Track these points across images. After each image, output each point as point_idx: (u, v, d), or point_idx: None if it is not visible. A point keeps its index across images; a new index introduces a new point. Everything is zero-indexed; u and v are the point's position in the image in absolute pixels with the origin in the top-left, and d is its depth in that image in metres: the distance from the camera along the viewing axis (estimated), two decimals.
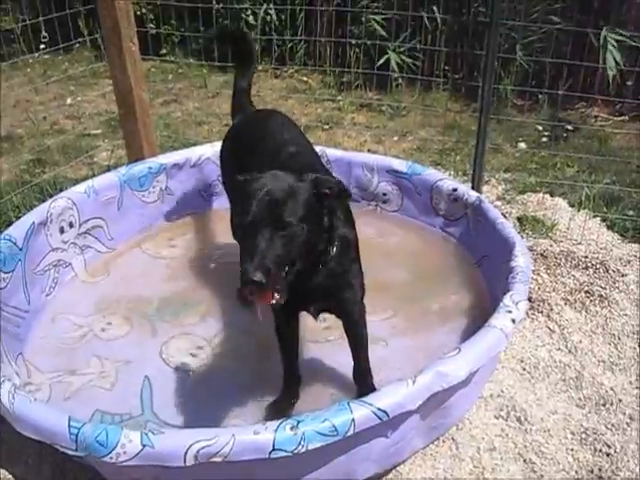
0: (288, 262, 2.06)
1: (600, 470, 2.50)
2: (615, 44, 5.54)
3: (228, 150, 3.22)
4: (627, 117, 5.99)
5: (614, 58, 5.54)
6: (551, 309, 3.32)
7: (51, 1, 4.98)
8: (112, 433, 2.06)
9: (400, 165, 3.81)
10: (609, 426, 2.69)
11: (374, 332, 2.99)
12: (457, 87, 6.38)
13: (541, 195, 4.49)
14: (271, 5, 6.76)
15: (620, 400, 2.82)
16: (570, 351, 3.09)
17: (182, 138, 5.48)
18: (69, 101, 6.53)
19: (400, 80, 6.33)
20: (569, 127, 5.64)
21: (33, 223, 3.21)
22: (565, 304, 3.36)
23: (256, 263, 1.95)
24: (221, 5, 6.55)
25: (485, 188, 4.50)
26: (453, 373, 2.26)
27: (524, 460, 2.55)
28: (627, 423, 2.71)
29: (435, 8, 6.15)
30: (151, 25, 7.08)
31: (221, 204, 3.83)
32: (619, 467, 2.51)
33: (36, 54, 6.60)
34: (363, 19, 6.26)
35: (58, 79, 6.67)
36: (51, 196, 3.77)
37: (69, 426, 2.10)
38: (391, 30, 6.21)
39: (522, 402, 2.78)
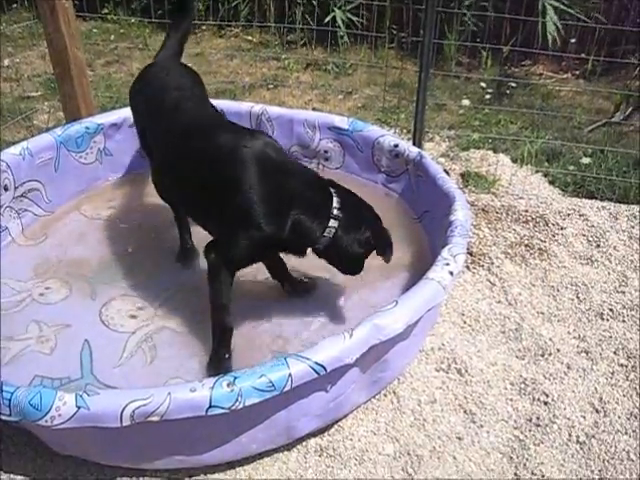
0: None
1: (538, 418, 2.56)
2: (553, 10, 5.59)
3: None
4: (570, 74, 6.05)
5: (554, 23, 5.59)
6: (492, 263, 3.36)
7: None
8: (46, 396, 2.03)
9: (341, 122, 3.79)
10: (547, 375, 2.76)
11: (318, 290, 3.03)
12: (403, 45, 6.35)
13: (484, 151, 4.54)
14: None
15: (558, 350, 2.88)
16: (510, 303, 3.14)
17: (124, 99, 5.35)
18: (6, 63, 6.32)
19: (346, 38, 6.28)
20: (512, 84, 5.66)
21: None
22: (505, 257, 3.41)
23: None
24: None
25: (429, 145, 4.51)
26: (390, 326, 2.28)
27: (464, 411, 2.59)
28: (564, 372, 2.77)
29: None
30: None
31: None
32: (556, 415, 2.57)
33: None
34: None
35: None
36: None
37: (1, 391, 2.07)
38: None
39: (462, 354, 2.83)
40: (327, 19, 6.16)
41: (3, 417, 2.08)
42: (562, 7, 5.67)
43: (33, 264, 3.25)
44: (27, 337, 2.81)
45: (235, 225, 2.54)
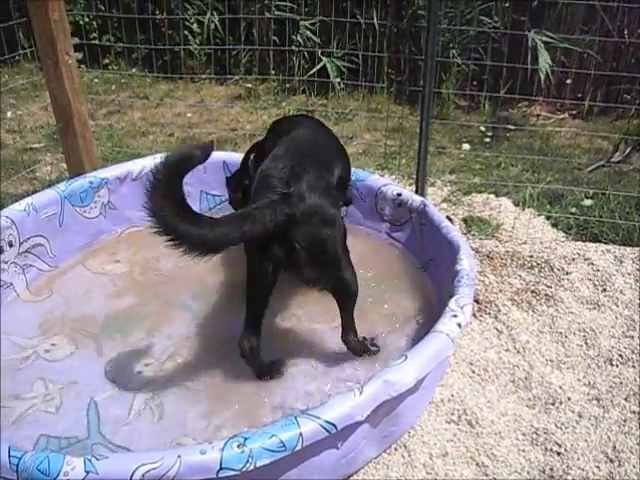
0: None
1: (552, 470, 2.52)
2: (543, 46, 5.65)
3: None
4: (567, 115, 6.10)
5: (545, 60, 5.65)
6: (498, 310, 3.35)
7: None
8: (54, 461, 2.00)
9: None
10: (559, 425, 2.73)
11: (322, 340, 3.01)
12: (400, 90, 6.42)
13: (486, 195, 4.55)
14: (214, 14, 6.70)
15: (569, 398, 2.85)
16: (518, 351, 3.12)
17: (126, 149, 5.40)
18: (9, 115, 6.38)
19: (342, 85, 6.35)
20: (511, 127, 5.71)
21: None
22: (512, 304, 3.40)
23: None
24: (164, 15, 6.50)
25: (430, 190, 4.53)
26: (400, 381, 2.26)
27: (476, 464, 2.56)
28: (576, 421, 2.74)
29: (374, 13, 6.19)
30: (94, 34, 6.99)
31: None
32: (570, 466, 2.54)
33: None
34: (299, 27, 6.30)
35: None
36: None
37: (9, 456, 2.04)
38: (330, 36, 6.24)
39: (473, 405, 2.80)
40: (315, 69, 6.25)
41: None
42: (554, 42, 5.72)
43: (38, 320, 3.23)
44: (33, 396, 2.78)
45: None
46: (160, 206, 2.21)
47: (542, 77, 5.66)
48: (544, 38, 5.66)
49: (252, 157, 3.45)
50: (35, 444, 2.51)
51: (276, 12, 6.39)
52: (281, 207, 2.42)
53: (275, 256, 2.51)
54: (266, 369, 2.81)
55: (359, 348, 2.82)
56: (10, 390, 2.80)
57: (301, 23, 6.36)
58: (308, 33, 6.41)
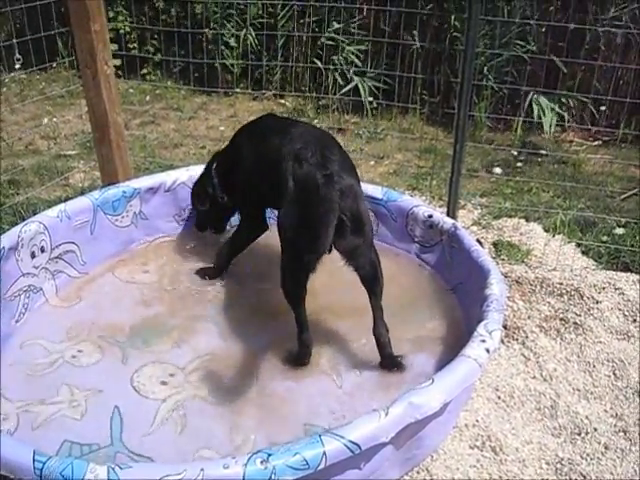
0: None
1: None
2: (545, 108, 5.72)
3: None
4: (601, 142, 6.06)
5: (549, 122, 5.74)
6: (526, 336, 3.32)
7: (26, 21, 4.98)
8: (78, 467, 2.01)
9: (375, 191, 3.79)
10: (584, 456, 2.68)
11: (348, 359, 3.00)
12: (433, 111, 6.42)
13: (516, 220, 4.52)
14: (251, 29, 6.76)
15: (595, 429, 2.81)
16: (545, 379, 3.08)
17: (158, 160, 5.45)
18: (45, 121, 6.48)
19: (375, 104, 6.37)
20: (543, 151, 5.67)
21: (3, 248, 3.15)
22: (540, 331, 3.36)
23: None
24: (205, 29, 6.57)
25: (461, 213, 4.51)
26: (426, 404, 2.24)
27: None
28: (602, 452, 2.70)
29: (413, 35, 6.22)
30: (134, 45, 7.09)
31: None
32: None
33: (12, 74, 6.58)
34: (338, 47, 6.35)
35: (35, 99, 6.62)
36: (24, 219, 3.73)
37: (34, 460, 2.05)
38: (368, 56, 6.29)
39: (497, 431, 2.77)
40: (347, 88, 6.29)
41: None
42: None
43: (66, 326, 3.25)
44: (59, 401, 2.80)
45: None
46: None
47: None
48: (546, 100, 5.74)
49: (214, 166, 3.64)
50: (58, 449, 2.52)
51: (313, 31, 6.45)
52: (333, 186, 2.64)
53: None
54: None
55: (389, 346, 2.91)
56: (36, 394, 2.82)
57: (347, 48, 6.41)
58: (352, 57, 6.46)
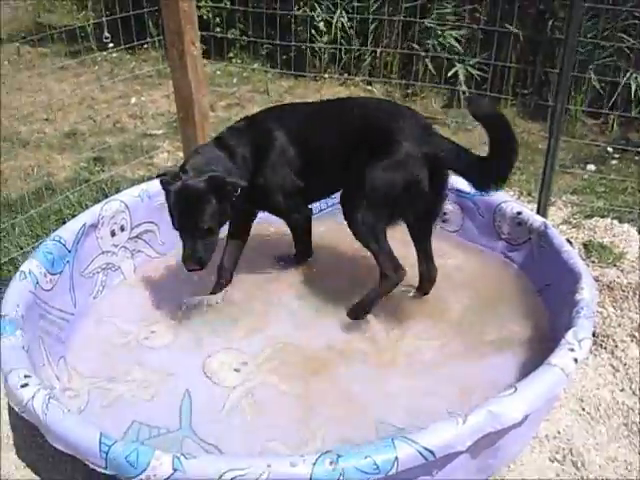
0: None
1: None
2: None
3: None
4: None
5: None
6: (616, 346, 3.13)
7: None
8: (143, 454, 1.99)
9: (463, 184, 3.63)
10: None
11: (427, 357, 2.90)
12: (526, 103, 6.19)
13: (609, 220, 4.27)
14: (343, 13, 6.65)
15: None
16: (634, 393, 2.89)
17: None
18: (133, 100, 6.56)
19: (467, 94, 6.17)
20: None
21: (84, 225, 3.18)
22: (631, 341, 3.16)
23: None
24: (292, 11, 6.49)
25: (551, 210, 4.31)
26: (507, 414, 2.12)
27: None
28: None
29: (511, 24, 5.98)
30: (218, 29, 7.08)
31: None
32: None
33: (104, 52, 6.68)
34: (434, 33, 6.17)
35: (124, 78, 6.71)
36: (107, 196, 3.75)
37: (100, 443, 2.03)
38: (462, 43, 6.09)
39: (580, 445, 2.61)
40: (449, 73, 6.09)
41: (99, 469, 2.05)
42: None
43: (141, 306, 3.26)
44: (130, 380, 2.80)
45: None
46: None
47: None
48: None
49: None
50: (127, 430, 2.52)
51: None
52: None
53: None
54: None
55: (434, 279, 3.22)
56: (108, 372, 2.83)
57: (446, 32, 6.22)
58: (452, 41, 6.26)
